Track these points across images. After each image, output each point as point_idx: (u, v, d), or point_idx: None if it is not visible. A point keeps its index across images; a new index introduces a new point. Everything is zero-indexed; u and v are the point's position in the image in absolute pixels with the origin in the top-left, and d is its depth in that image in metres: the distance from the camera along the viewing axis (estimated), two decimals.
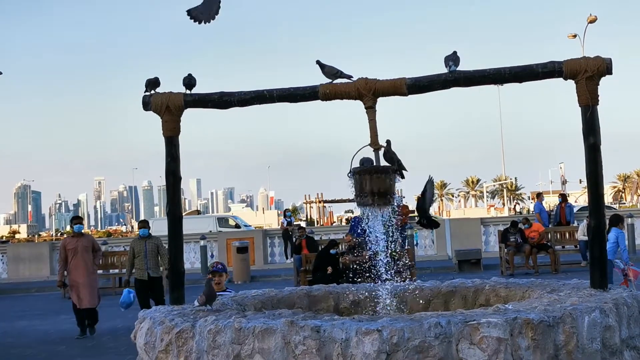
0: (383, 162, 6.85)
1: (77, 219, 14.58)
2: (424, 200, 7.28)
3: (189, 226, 39.30)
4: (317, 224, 65.05)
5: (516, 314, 5.20)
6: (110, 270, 23.38)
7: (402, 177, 7.00)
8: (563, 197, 26.95)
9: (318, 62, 6.93)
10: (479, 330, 4.96)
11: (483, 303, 7.35)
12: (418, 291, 7.87)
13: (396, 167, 6.83)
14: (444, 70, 6.68)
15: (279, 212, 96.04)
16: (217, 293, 8.52)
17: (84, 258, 13.67)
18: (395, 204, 6.87)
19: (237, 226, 41.54)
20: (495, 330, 4.96)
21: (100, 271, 23.26)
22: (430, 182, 7.26)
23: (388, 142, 6.96)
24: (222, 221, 42.87)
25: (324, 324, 5.15)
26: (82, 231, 14.61)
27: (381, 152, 6.89)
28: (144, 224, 14.77)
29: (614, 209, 54.61)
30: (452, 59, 6.62)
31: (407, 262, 18.13)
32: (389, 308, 7.10)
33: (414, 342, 4.90)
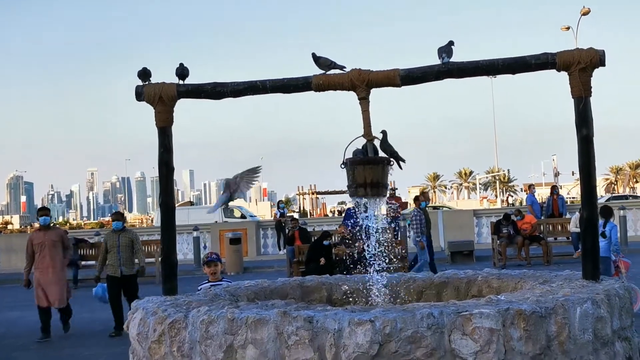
0: (380, 154, 6.84)
1: (43, 211, 13.06)
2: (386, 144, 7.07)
3: (195, 216, 39.36)
4: (310, 216, 65.04)
5: (508, 305, 5.22)
6: None
7: (400, 167, 7.01)
8: (554, 189, 27.00)
9: (313, 55, 6.92)
10: (471, 321, 4.98)
11: (475, 294, 7.36)
12: (411, 282, 7.89)
13: (390, 158, 6.82)
14: (437, 61, 6.67)
15: (272, 203, 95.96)
16: (214, 283, 8.55)
17: (52, 254, 12.48)
18: (388, 195, 6.87)
19: (242, 217, 41.59)
20: (487, 321, 4.97)
21: (92, 262, 23.43)
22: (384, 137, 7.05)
23: (384, 132, 6.95)
24: (228, 212, 42.92)
25: (316, 315, 5.15)
26: (51, 224, 13.29)
27: (377, 143, 6.88)
28: (117, 217, 13.70)
29: (635, 196, 54.56)
30: (446, 50, 6.62)
31: (402, 252, 18.22)
32: (381, 299, 7.12)
33: (406, 333, 4.91)
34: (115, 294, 12.78)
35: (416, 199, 19.43)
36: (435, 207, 49.34)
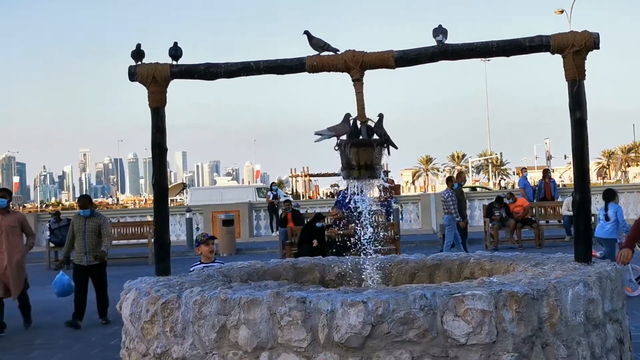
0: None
1: (1, 192, 11.76)
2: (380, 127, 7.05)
3: (229, 196, 39.58)
4: (303, 198, 65.01)
5: (501, 286, 5.24)
6: None
7: (389, 153, 6.98)
8: (547, 173, 27.03)
9: (306, 33, 6.89)
10: (463, 302, 5.00)
11: (468, 276, 7.39)
12: (403, 264, 7.91)
13: (383, 141, 6.81)
14: (431, 43, 6.66)
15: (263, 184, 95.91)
16: (207, 264, 8.57)
17: (8, 239, 11.52)
18: (381, 177, 6.87)
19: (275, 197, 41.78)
20: (479, 302, 4.99)
21: None
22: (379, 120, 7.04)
23: (381, 115, 6.93)
24: (262, 191, 43.12)
25: (309, 296, 5.17)
26: (9, 207, 12.01)
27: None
28: (84, 203, 12.21)
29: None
30: (442, 31, 6.60)
31: (394, 235, 18.26)
32: (374, 280, 7.14)
33: (399, 314, 4.93)
34: (81, 283, 11.91)
35: (449, 179, 19.51)
36: (472, 188, 49.38)
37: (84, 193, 13.79)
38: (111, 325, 11.20)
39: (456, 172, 24.83)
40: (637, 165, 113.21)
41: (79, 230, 11.95)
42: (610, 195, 12.39)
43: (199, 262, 8.77)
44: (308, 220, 19.50)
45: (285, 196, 31.37)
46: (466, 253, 8.30)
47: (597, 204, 14.24)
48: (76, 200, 13.17)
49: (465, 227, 19.13)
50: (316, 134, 6.76)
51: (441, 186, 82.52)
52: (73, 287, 12.03)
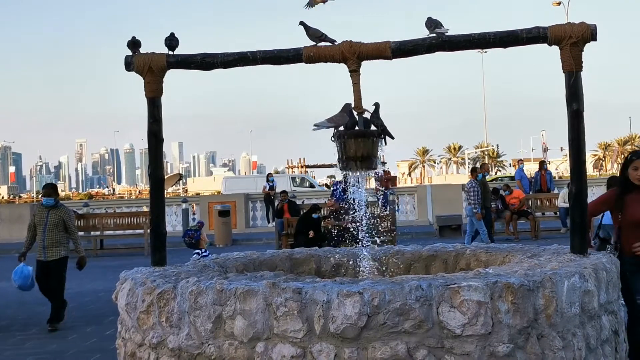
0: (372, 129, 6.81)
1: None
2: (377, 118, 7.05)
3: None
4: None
5: (496, 278, 5.23)
6: (92, 232, 23.45)
7: (385, 143, 6.97)
8: (543, 165, 27.07)
9: (302, 23, 6.86)
10: (459, 293, 4.99)
11: (464, 267, 7.39)
12: (399, 255, 7.91)
13: (380, 131, 6.80)
14: (427, 34, 6.63)
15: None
16: (203, 253, 8.62)
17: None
18: (378, 168, 6.86)
19: (311, 186, 41.85)
20: (475, 293, 4.99)
21: (81, 233, 23.45)
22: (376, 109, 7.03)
23: (377, 105, 6.92)
24: (297, 180, 43.14)
25: (305, 286, 5.16)
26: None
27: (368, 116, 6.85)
28: (49, 191, 11.41)
29: None
30: (434, 23, 6.57)
31: (391, 227, 18.28)
32: (370, 271, 7.14)
33: (395, 305, 4.92)
34: (40, 282, 11.12)
35: (473, 170, 19.52)
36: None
37: (49, 183, 11.91)
38: (107, 316, 11.19)
39: (479, 163, 24.89)
40: None
41: (40, 222, 11.10)
42: (615, 182, 12.38)
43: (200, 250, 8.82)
44: (304, 211, 19.52)
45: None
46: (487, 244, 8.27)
47: (593, 195, 14.25)
48: (42, 189, 11.91)
49: (491, 218, 19.10)
50: (315, 125, 6.75)
51: (437, 178, 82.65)
52: (34, 283, 11.17)
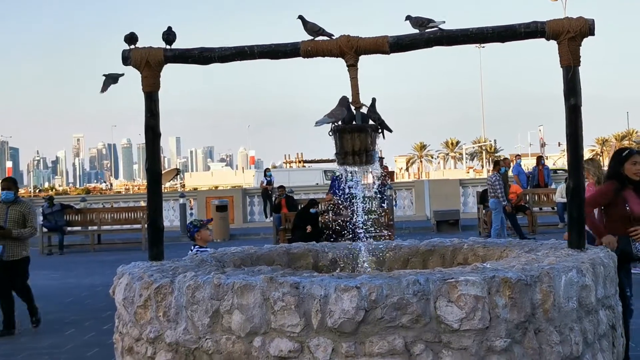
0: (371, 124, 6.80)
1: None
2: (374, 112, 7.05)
3: (296, 177, 39.03)
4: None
5: (494, 272, 5.23)
6: (89, 227, 23.45)
7: (383, 137, 6.97)
8: (540, 160, 27.07)
9: (300, 17, 6.85)
10: (457, 288, 4.99)
11: (461, 262, 7.39)
12: (397, 250, 7.91)
13: (378, 126, 6.79)
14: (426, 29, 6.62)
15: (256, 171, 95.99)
16: (202, 249, 8.59)
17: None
18: (376, 163, 6.86)
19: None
20: (473, 288, 4.99)
21: (77, 228, 23.47)
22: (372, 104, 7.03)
23: (373, 99, 6.91)
24: (327, 174, 42.97)
25: (303, 281, 5.16)
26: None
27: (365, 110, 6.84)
28: (7, 185, 10.44)
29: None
30: (421, 20, 6.55)
31: (388, 221, 18.27)
32: (367, 266, 7.14)
33: (392, 299, 4.92)
34: (2, 281, 10.26)
35: (496, 163, 19.48)
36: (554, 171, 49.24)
37: (9, 176, 10.88)
38: (104, 310, 11.19)
39: (502, 157, 24.89)
40: None
41: None
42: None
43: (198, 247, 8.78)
44: (302, 206, 19.53)
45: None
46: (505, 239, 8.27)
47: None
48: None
49: (513, 211, 19.14)
50: (316, 123, 6.75)
51: (435, 172, 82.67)
52: None
